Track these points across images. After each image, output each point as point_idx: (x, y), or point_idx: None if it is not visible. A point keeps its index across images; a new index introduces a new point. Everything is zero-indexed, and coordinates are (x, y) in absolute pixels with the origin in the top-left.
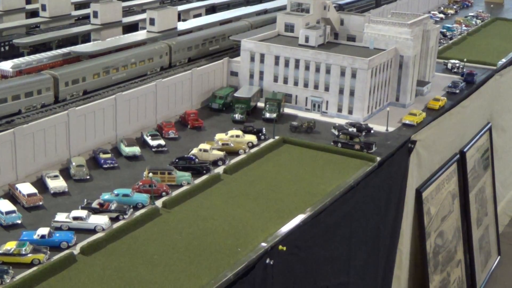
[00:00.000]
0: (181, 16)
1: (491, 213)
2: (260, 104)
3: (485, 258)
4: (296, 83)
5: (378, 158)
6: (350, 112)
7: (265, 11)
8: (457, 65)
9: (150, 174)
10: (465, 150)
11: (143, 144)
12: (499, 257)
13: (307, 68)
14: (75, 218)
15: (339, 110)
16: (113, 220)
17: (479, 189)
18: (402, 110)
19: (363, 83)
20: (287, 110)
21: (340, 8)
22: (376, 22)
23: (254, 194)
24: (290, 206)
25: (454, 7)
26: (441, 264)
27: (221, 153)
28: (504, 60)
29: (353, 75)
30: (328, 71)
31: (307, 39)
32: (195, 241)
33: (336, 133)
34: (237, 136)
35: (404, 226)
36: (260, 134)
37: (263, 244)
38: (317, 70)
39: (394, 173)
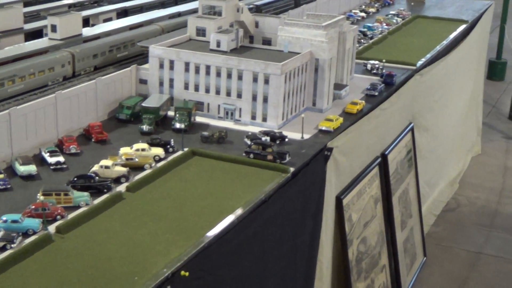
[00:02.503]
0: (90, 21)
1: (415, 215)
2: (171, 113)
3: (410, 261)
4: (207, 91)
5: (292, 169)
6: (264, 119)
7: (179, 14)
8: (377, 66)
9: (42, 197)
10: (386, 152)
11: (41, 161)
12: (425, 258)
13: (218, 74)
14: None
15: (253, 117)
16: None
17: (402, 191)
18: (319, 115)
19: (277, 89)
20: (199, 119)
21: (257, 9)
22: (290, 24)
23: (158, 213)
24: (196, 225)
25: (376, 5)
26: (364, 271)
27: (124, 169)
28: (423, 59)
29: (266, 81)
30: (240, 77)
31: (218, 44)
32: (89, 270)
33: (249, 142)
34: (143, 149)
35: (324, 236)
36: (168, 146)
37: (164, 270)
38: (229, 76)
39: (310, 183)
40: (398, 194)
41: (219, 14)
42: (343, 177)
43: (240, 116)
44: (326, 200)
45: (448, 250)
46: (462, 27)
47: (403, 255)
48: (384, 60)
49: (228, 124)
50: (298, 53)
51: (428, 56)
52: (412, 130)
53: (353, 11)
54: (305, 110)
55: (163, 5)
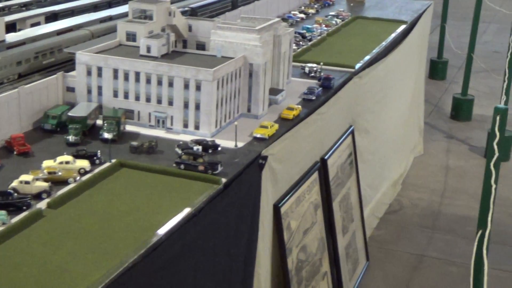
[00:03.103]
0: (16, 26)
1: (357, 219)
2: (100, 122)
3: (353, 266)
4: (137, 98)
5: (224, 179)
6: (197, 127)
7: (110, 18)
8: (315, 69)
9: None
10: (326, 157)
11: None
12: (367, 262)
13: (148, 81)
14: None
15: (185, 125)
16: None
17: (343, 196)
18: (254, 121)
19: (209, 96)
20: (129, 128)
21: (193, 12)
22: (222, 28)
23: (80, 232)
24: (119, 244)
25: (315, 6)
26: (305, 279)
27: (46, 184)
28: (362, 62)
29: (198, 88)
30: (171, 84)
31: (148, 49)
32: None
33: (180, 152)
34: (67, 162)
35: (261, 246)
36: (94, 158)
37: None
38: (159, 83)
39: (244, 193)
40: (339, 199)
41: (150, 18)
42: (281, 185)
43: (171, 124)
44: (263, 210)
45: (391, 253)
46: (402, 27)
47: (345, 260)
48: (321, 63)
49: (159, 132)
50: (232, 58)
51: (367, 58)
52: (352, 133)
53: (292, 12)
54: (240, 116)
55: (96, 9)
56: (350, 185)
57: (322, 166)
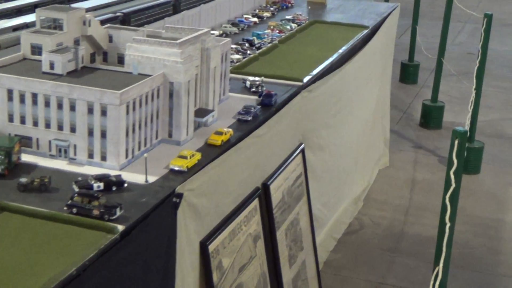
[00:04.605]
0: None
1: (308, 246)
2: None
3: None
4: (36, 124)
5: (121, 227)
6: (104, 158)
7: (26, 26)
8: (257, 83)
9: None
10: (268, 182)
11: None
12: None
13: (47, 104)
14: None
15: (90, 156)
16: None
17: (291, 222)
18: (176, 148)
19: (116, 122)
20: (26, 158)
21: (125, 17)
22: (139, 41)
23: None
24: None
25: (271, 9)
26: None
27: None
28: (312, 73)
29: (104, 113)
30: (73, 108)
31: (52, 66)
32: None
33: (77, 190)
34: None
35: None
36: None
37: None
38: (60, 106)
39: (152, 239)
40: (285, 227)
41: (61, 28)
42: (208, 220)
43: (75, 154)
44: (182, 252)
45: (346, 281)
46: (363, 33)
47: None
48: (262, 77)
49: (61, 164)
50: (150, 76)
51: (320, 68)
52: (302, 151)
53: (245, 16)
54: (160, 143)
55: (18, 14)
56: (299, 210)
57: (263, 193)
